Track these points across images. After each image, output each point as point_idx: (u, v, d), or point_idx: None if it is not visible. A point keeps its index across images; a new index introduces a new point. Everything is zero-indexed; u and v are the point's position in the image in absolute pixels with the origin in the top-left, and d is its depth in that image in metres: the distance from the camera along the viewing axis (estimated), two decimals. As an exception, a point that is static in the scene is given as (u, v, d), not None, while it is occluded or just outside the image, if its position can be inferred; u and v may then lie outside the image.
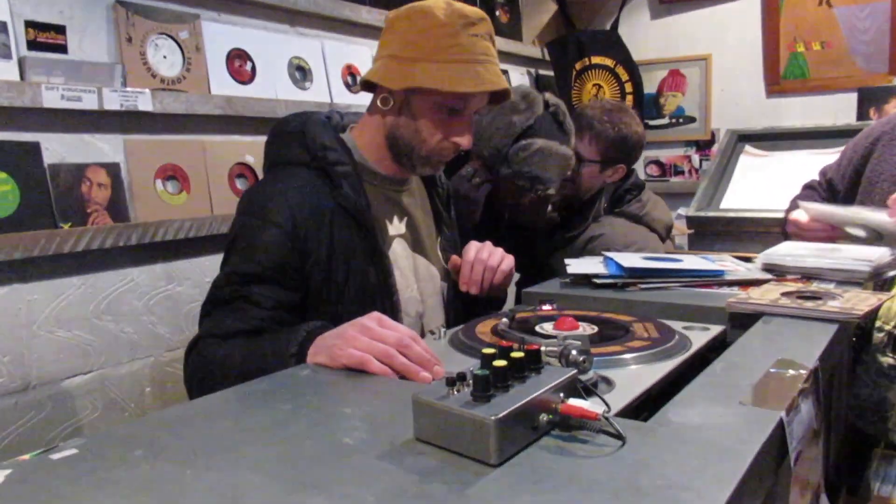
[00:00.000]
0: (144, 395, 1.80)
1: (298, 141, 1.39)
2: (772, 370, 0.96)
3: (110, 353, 1.72)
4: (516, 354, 0.77)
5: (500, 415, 0.68)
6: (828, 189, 2.02)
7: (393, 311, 1.39)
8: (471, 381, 0.73)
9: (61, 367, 1.63)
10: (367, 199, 1.38)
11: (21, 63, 1.55)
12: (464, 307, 1.55)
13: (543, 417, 0.73)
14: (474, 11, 1.34)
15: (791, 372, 0.95)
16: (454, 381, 0.74)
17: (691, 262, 1.64)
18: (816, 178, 2.12)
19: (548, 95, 1.89)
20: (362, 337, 1.00)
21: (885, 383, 1.65)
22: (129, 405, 1.77)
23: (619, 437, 0.72)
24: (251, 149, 2.05)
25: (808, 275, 1.57)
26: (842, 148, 2.06)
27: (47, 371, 1.61)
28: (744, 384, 0.90)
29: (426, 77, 1.30)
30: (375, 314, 1.06)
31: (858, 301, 1.27)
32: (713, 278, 1.54)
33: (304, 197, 1.33)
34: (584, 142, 2.10)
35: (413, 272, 1.47)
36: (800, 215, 1.85)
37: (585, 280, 1.57)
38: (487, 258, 1.45)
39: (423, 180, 1.59)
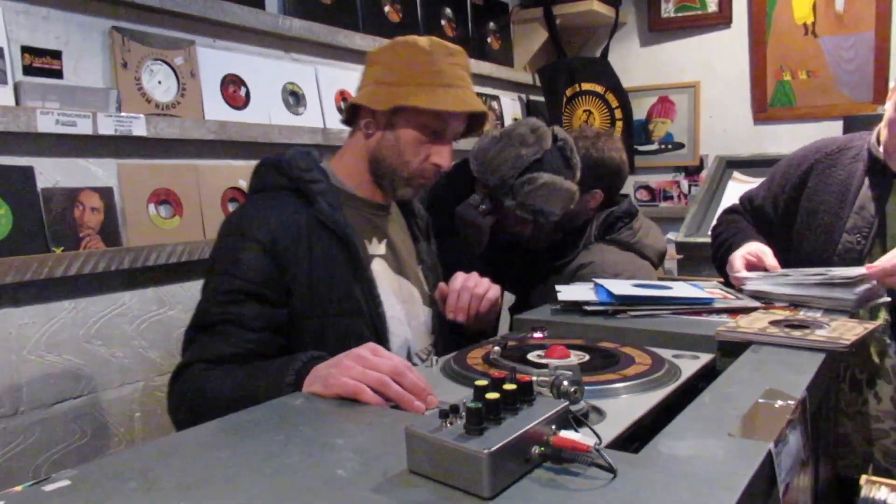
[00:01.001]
0: (134, 419, 1.79)
1: (276, 169, 1.44)
2: (760, 400, 0.97)
3: (100, 378, 1.72)
4: (509, 386, 0.78)
5: (493, 448, 0.68)
6: (756, 216, 1.97)
7: (381, 322, 1.41)
8: (464, 414, 0.73)
9: (51, 392, 1.62)
10: (344, 216, 1.41)
11: (17, 88, 1.56)
12: (452, 337, 1.56)
13: (536, 450, 0.74)
14: (453, 45, 1.45)
15: (779, 402, 0.96)
16: (447, 413, 0.74)
17: (681, 289, 1.65)
18: (737, 202, 2.06)
19: (556, 129, 1.91)
20: (356, 366, 1.01)
21: (843, 421, 1.67)
22: (119, 430, 1.76)
23: (610, 469, 0.72)
24: (244, 173, 2.06)
25: (795, 303, 1.59)
26: None
27: (37, 395, 1.60)
28: (733, 415, 0.91)
29: (410, 97, 1.38)
30: (370, 344, 1.06)
31: (845, 330, 1.29)
32: (703, 306, 1.56)
33: (281, 214, 1.36)
34: None
35: (396, 293, 1.49)
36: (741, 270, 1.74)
37: (576, 307, 1.58)
38: (473, 287, 1.47)
39: (402, 210, 1.62)
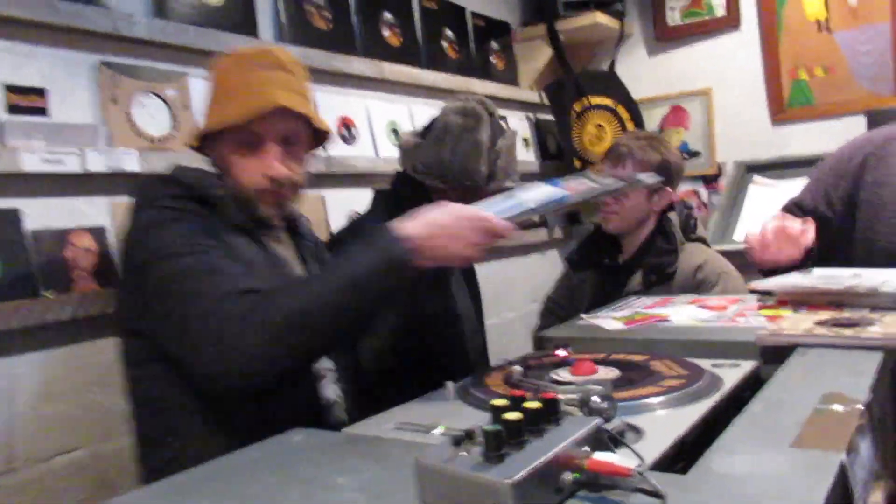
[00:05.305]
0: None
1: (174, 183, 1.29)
2: (819, 406, 0.86)
3: (101, 428, 1.62)
4: (531, 404, 0.68)
5: (516, 477, 0.58)
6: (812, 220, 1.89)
7: None
8: (481, 439, 0.63)
9: (47, 446, 1.53)
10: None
11: (-1, 128, 1.50)
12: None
13: (568, 477, 0.63)
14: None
15: (841, 407, 0.85)
16: (461, 439, 0.64)
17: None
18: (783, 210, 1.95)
19: (478, 97, 1.81)
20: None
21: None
22: (125, 483, 1.66)
23: (657, 495, 0.61)
24: (245, 205, 1.98)
25: (835, 302, 1.47)
26: None
27: (33, 450, 1.51)
28: (790, 424, 0.80)
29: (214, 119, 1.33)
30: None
31: (901, 326, 1.17)
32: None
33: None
34: (628, 170, 2.10)
35: None
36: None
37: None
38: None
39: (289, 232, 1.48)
